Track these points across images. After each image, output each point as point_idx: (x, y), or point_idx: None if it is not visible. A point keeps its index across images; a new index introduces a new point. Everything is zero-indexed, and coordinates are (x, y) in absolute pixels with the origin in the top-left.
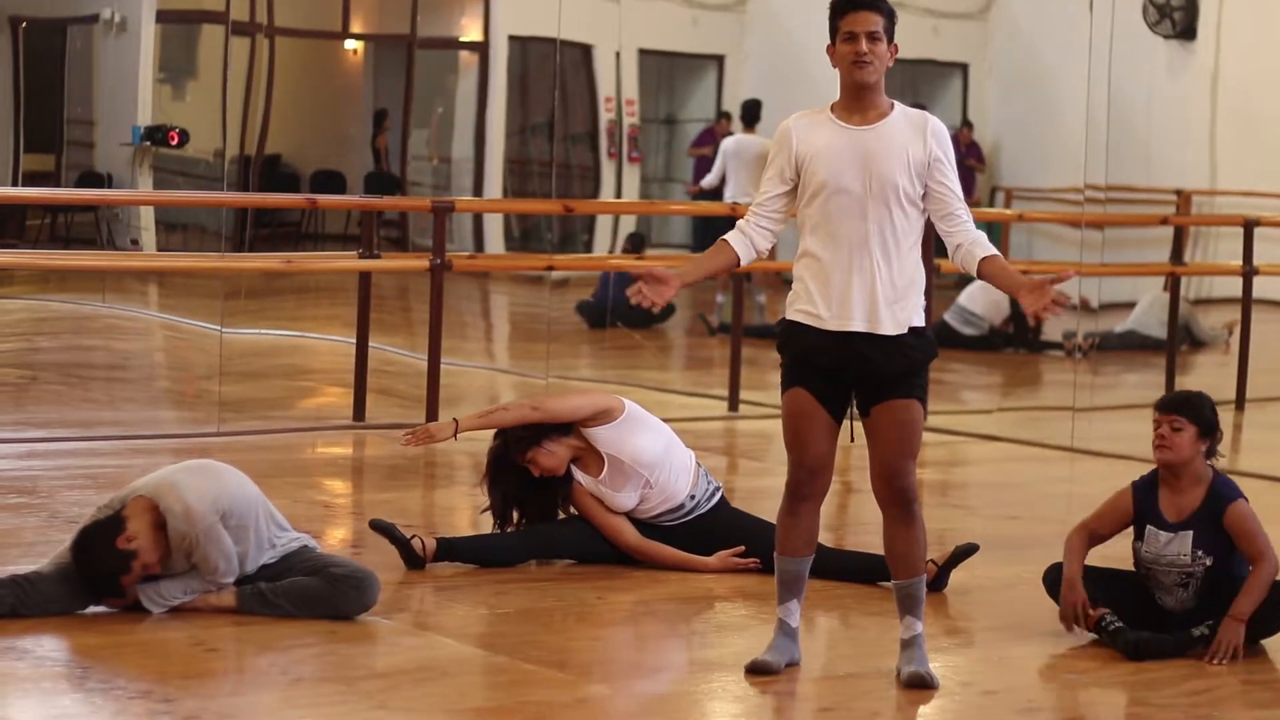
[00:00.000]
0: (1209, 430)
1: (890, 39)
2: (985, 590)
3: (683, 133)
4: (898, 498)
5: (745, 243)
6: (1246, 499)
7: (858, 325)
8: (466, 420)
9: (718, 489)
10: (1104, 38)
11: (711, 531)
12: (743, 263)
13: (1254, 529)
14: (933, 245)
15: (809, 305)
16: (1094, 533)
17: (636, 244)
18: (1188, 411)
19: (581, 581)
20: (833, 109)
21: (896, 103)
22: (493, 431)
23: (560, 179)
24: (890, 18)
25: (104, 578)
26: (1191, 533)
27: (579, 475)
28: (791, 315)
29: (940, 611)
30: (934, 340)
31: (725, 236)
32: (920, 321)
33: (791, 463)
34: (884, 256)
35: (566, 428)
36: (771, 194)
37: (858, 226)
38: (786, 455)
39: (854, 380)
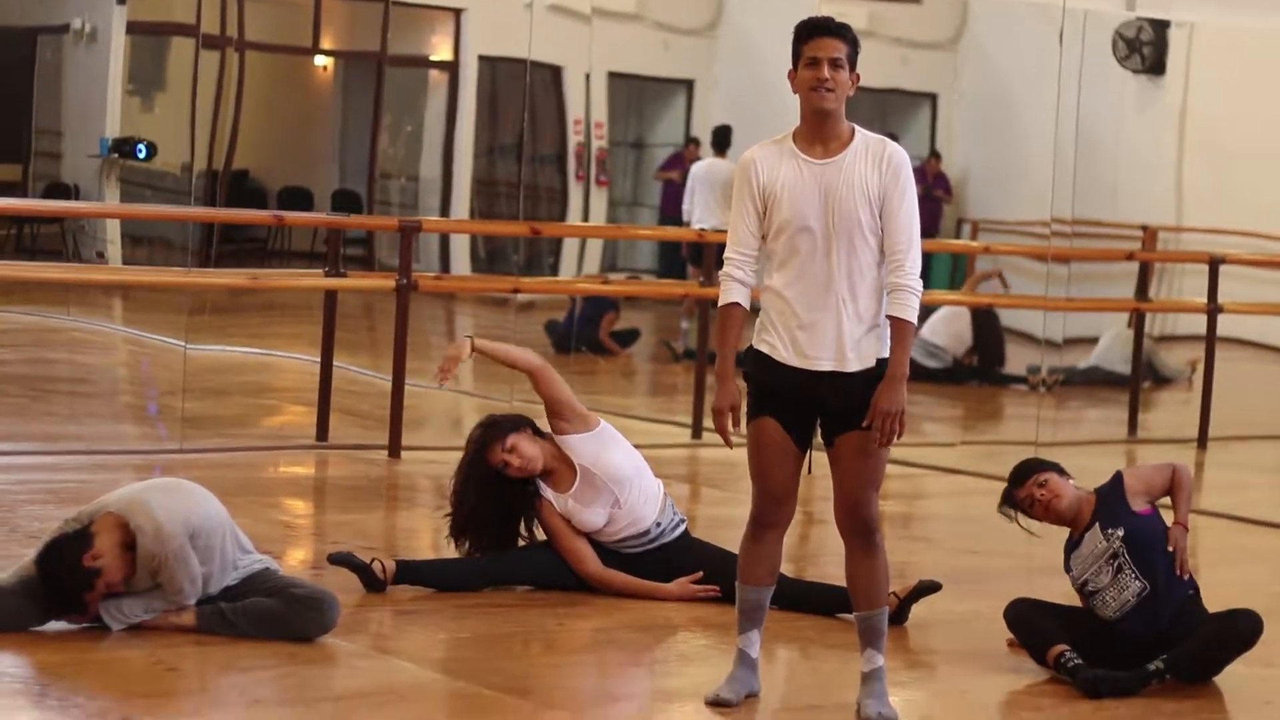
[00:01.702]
0: (1061, 468)
1: (853, 67)
2: (945, 624)
3: (651, 157)
4: (859, 528)
5: (745, 292)
6: None
7: (824, 365)
8: (481, 342)
9: (682, 521)
10: (1073, 71)
11: (674, 560)
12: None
13: (1149, 468)
14: None
15: (774, 340)
16: None
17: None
18: (1041, 466)
19: (542, 608)
20: (794, 138)
21: (858, 129)
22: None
23: (528, 201)
24: (854, 45)
25: (67, 593)
26: (1096, 524)
27: (547, 492)
28: (758, 345)
29: (901, 645)
30: None
31: (732, 298)
32: (885, 353)
33: (756, 491)
34: (850, 291)
35: (536, 429)
36: (746, 231)
37: (823, 263)
38: (751, 483)
39: (818, 411)
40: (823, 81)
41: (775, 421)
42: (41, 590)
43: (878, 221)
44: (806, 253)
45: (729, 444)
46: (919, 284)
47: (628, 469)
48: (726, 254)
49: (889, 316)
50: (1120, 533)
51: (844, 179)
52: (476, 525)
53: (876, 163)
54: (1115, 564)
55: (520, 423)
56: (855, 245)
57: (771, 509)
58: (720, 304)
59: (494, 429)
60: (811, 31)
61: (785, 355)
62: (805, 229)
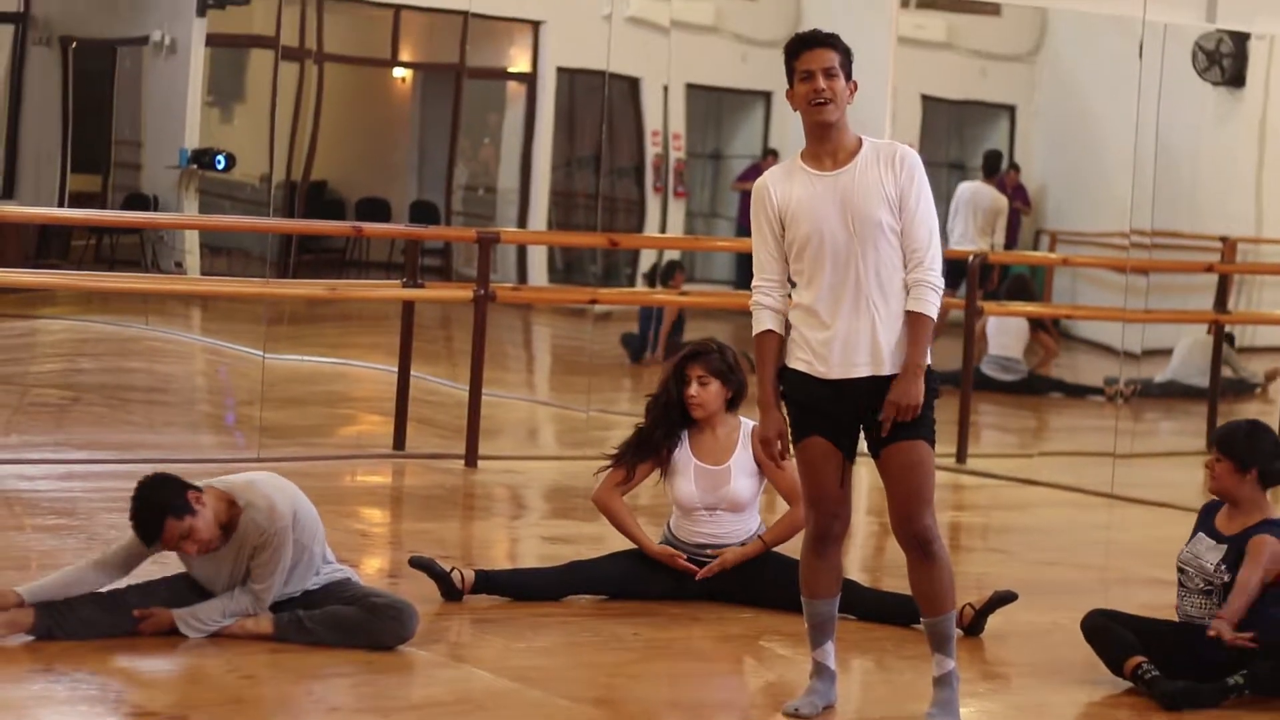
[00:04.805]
0: (1245, 463)
1: (848, 76)
2: (1022, 636)
3: (728, 168)
4: (914, 541)
5: (780, 319)
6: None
7: (861, 371)
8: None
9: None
10: (1153, 83)
11: (746, 571)
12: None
13: (1258, 557)
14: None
15: (808, 355)
16: None
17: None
18: (1223, 446)
19: (618, 617)
20: (802, 157)
21: (865, 137)
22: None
23: (605, 212)
24: (846, 54)
25: (154, 510)
26: (1226, 548)
27: (684, 441)
28: (792, 363)
29: (976, 656)
30: (937, 376)
31: (765, 326)
32: (928, 359)
33: (811, 509)
34: (881, 295)
35: (738, 399)
36: (768, 256)
37: (849, 271)
38: (804, 502)
39: (861, 421)
40: (819, 92)
41: (821, 438)
42: (131, 509)
43: (899, 222)
44: (831, 264)
45: (781, 469)
46: (940, 281)
47: (745, 501)
48: (754, 283)
49: (908, 311)
50: (1227, 578)
51: (859, 184)
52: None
53: (890, 165)
54: (1208, 588)
55: (732, 375)
56: (880, 248)
57: (829, 523)
58: (755, 333)
59: (710, 356)
60: (801, 46)
61: (821, 369)
62: (827, 239)
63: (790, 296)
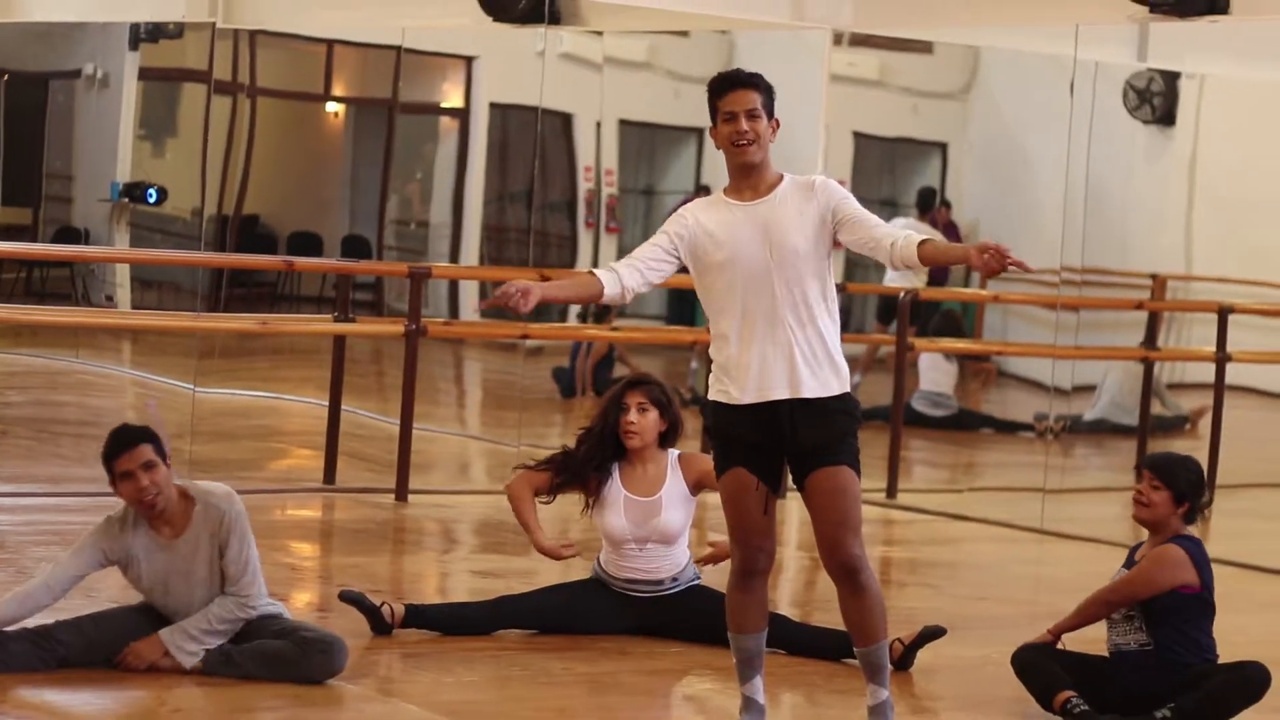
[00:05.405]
0: (1181, 497)
1: (770, 115)
2: (952, 670)
3: (661, 204)
4: (842, 570)
5: (613, 278)
6: (1189, 552)
7: (780, 393)
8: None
9: (697, 577)
10: (1083, 121)
11: (682, 607)
12: (606, 295)
13: (1145, 567)
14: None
15: (727, 385)
16: None
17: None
18: (1163, 474)
19: (547, 651)
20: (725, 191)
21: (786, 173)
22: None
23: (537, 247)
24: (769, 94)
25: (136, 431)
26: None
27: (615, 475)
28: (713, 395)
29: (906, 690)
30: (859, 404)
31: (593, 270)
32: (845, 387)
33: (737, 543)
34: (797, 321)
35: (673, 435)
36: (652, 248)
37: (766, 297)
38: (729, 535)
39: (785, 450)
40: (743, 135)
41: (746, 470)
42: (112, 431)
43: (819, 251)
44: (747, 291)
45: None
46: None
47: (676, 532)
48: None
49: (922, 243)
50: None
51: (778, 214)
52: (580, 451)
53: (808, 194)
54: (1129, 614)
55: (670, 408)
56: (800, 275)
57: (754, 557)
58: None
59: (650, 386)
60: (725, 86)
61: (736, 394)
62: (745, 266)
63: (642, 276)
